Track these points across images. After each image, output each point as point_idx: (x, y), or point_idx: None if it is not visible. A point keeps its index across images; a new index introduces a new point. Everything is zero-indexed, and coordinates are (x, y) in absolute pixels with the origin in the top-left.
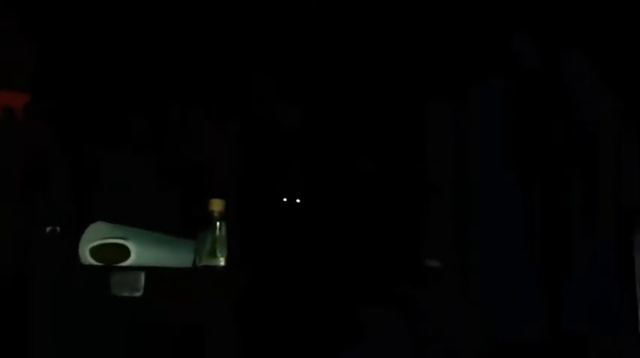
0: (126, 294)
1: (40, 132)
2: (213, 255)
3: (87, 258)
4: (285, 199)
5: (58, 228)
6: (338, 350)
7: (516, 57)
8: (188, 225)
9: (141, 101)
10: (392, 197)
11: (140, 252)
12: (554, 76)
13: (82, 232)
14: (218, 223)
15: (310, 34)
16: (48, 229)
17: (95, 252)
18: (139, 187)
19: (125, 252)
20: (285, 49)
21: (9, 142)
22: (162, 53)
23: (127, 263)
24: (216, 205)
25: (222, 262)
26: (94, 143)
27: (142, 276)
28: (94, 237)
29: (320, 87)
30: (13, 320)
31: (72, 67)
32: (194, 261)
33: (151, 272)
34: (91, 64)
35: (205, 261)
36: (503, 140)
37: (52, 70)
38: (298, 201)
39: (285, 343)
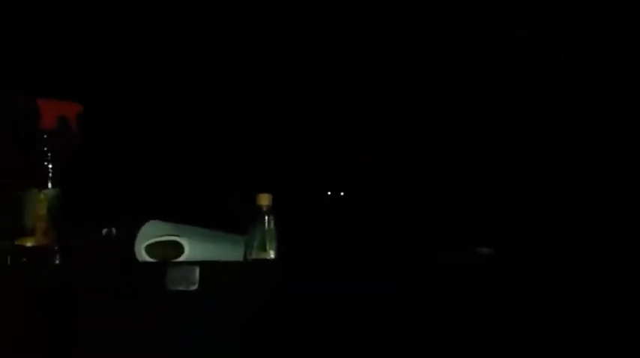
0: (181, 288)
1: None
2: (263, 248)
3: (142, 255)
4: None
5: (113, 229)
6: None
7: None
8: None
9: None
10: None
11: (193, 249)
12: None
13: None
14: (266, 217)
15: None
16: (104, 230)
17: (150, 249)
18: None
19: (179, 249)
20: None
21: (64, 151)
22: None
23: (181, 259)
24: (264, 200)
25: (272, 255)
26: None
27: (197, 270)
28: (149, 235)
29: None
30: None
31: None
32: (245, 255)
33: (205, 266)
34: None
35: (256, 255)
36: None
37: None
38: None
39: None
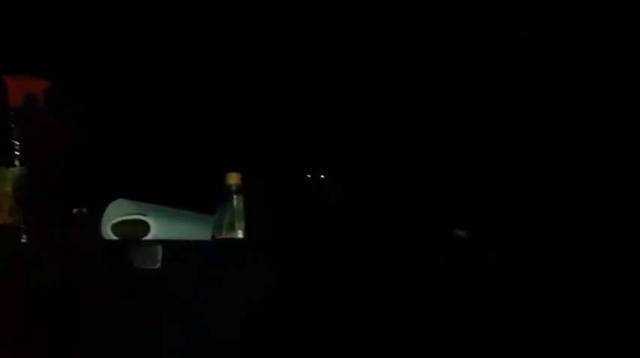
0: (145, 267)
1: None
2: (231, 228)
3: (109, 234)
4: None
5: (84, 209)
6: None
7: None
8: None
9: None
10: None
11: (159, 227)
12: None
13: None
14: (235, 196)
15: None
16: (75, 210)
17: (116, 228)
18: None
19: (145, 228)
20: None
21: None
22: None
23: (147, 238)
24: (233, 179)
25: (240, 235)
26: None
27: (160, 249)
28: (115, 214)
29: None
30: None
31: None
32: (212, 235)
33: (169, 244)
34: None
35: (224, 234)
36: None
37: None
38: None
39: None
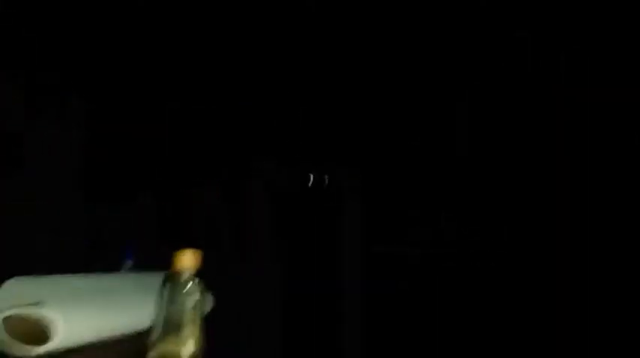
0: None
1: None
2: (174, 334)
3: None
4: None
5: None
6: None
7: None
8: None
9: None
10: None
11: (68, 326)
12: None
13: None
14: (187, 289)
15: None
16: None
17: (8, 324)
18: None
19: (48, 324)
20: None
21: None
22: None
23: (52, 345)
24: (187, 260)
25: (191, 348)
26: None
27: None
28: (6, 302)
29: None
30: None
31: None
32: (150, 337)
33: None
34: None
35: (163, 347)
36: None
37: None
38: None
39: None
